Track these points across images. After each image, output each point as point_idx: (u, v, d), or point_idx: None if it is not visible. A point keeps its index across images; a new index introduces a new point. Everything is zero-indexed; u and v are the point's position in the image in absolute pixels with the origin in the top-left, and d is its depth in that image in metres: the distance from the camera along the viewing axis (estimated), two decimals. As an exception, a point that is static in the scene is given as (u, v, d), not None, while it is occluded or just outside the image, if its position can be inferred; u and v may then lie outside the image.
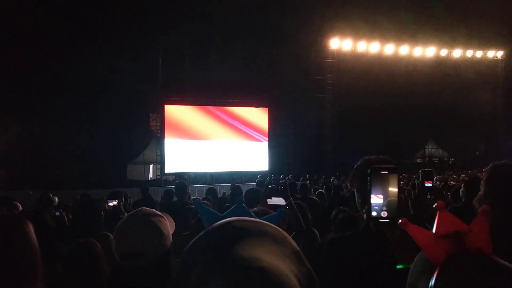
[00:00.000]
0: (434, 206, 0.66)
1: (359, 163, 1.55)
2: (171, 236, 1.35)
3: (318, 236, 3.16)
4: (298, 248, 0.53)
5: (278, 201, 2.75)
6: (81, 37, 15.33)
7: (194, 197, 8.37)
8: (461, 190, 3.85)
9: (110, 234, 2.58)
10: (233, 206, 0.67)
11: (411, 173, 13.82)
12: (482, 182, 1.70)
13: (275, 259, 0.46)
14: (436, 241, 0.62)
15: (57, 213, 3.70)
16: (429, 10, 19.58)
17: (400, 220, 0.68)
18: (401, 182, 1.59)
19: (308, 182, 12.20)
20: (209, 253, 0.48)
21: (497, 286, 0.54)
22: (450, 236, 0.61)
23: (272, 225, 0.54)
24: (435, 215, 0.65)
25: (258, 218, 0.60)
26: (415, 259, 0.71)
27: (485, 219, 0.62)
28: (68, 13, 15.07)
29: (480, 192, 1.68)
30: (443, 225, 0.63)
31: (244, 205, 0.67)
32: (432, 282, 0.58)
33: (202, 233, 0.53)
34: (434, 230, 0.64)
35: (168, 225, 1.36)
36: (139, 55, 16.91)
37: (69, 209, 4.64)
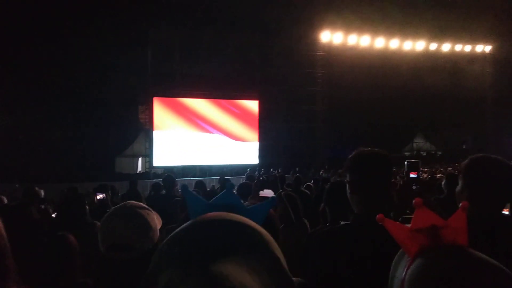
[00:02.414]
0: (413, 202, 0.66)
1: (352, 154, 1.53)
2: (158, 230, 1.33)
3: (308, 227, 3.18)
4: (277, 254, 0.50)
5: (268, 193, 2.76)
6: (70, 30, 15.06)
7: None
8: (443, 183, 3.97)
9: (97, 222, 2.55)
10: (222, 192, 0.66)
11: (400, 167, 13.96)
12: (460, 175, 1.65)
13: (248, 275, 0.44)
14: (412, 235, 0.63)
15: (42, 206, 3.65)
16: (419, 4, 19.67)
17: (376, 216, 0.69)
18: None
19: (298, 175, 12.27)
20: (179, 261, 0.46)
21: (471, 276, 0.54)
22: (425, 230, 0.62)
23: (254, 226, 0.52)
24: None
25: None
26: (398, 253, 0.71)
27: (463, 215, 0.64)
28: (56, 6, 14.76)
29: (458, 187, 1.65)
30: (420, 220, 0.64)
31: (234, 191, 0.66)
32: (403, 273, 0.60)
33: (178, 231, 0.52)
34: (410, 225, 0.65)
35: (155, 218, 1.34)
36: (129, 47, 16.68)
37: (54, 202, 4.58)
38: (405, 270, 0.60)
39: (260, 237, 0.51)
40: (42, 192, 5.19)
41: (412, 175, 3.26)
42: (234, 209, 0.58)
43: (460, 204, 0.65)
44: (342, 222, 2.20)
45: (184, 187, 0.67)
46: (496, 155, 1.60)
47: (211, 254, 0.46)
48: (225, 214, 0.53)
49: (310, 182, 7.17)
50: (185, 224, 0.53)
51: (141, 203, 1.35)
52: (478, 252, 0.59)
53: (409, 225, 0.66)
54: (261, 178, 9.96)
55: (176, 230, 0.52)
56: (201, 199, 0.64)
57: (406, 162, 3.26)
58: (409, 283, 0.58)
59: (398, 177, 8.57)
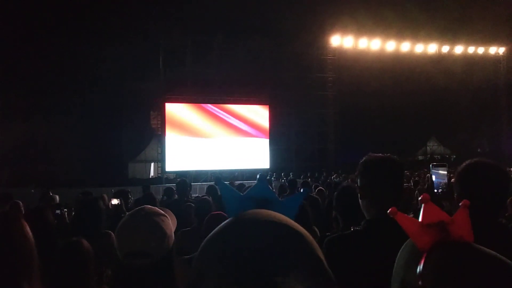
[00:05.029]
0: (419, 199, 0.70)
1: (363, 159, 1.53)
2: (173, 235, 1.35)
3: (318, 234, 3.15)
4: (320, 255, 0.50)
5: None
6: (83, 35, 15.33)
7: (195, 195, 8.36)
8: None
9: (111, 233, 2.58)
10: (256, 183, 0.65)
11: (413, 170, 13.80)
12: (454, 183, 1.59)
13: (294, 279, 0.44)
14: (423, 229, 0.66)
15: (58, 211, 3.71)
16: (431, 6, 19.50)
17: (389, 209, 0.71)
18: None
19: (309, 179, 12.23)
20: (224, 264, 0.46)
21: (480, 271, 0.58)
22: (435, 224, 0.66)
23: (298, 228, 0.52)
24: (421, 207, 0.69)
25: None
26: (399, 253, 0.74)
27: (466, 212, 0.67)
28: (69, 11, 15.06)
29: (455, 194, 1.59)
30: (429, 215, 0.67)
31: (265, 181, 0.65)
32: (420, 267, 0.62)
33: (219, 232, 0.50)
34: (420, 219, 0.68)
35: (171, 224, 1.35)
36: (141, 53, 16.89)
37: (69, 207, 4.65)
38: (420, 265, 0.62)
39: (303, 239, 0.51)
40: (57, 197, 5.28)
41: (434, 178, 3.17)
42: (268, 202, 0.57)
43: (461, 203, 0.68)
44: (353, 228, 2.18)
45: (218, 178, 0.68)
46: (489, 160, 1.54)
47: (256, 258, 0.45)
48: (266, 214, 0.52)
49: (322, 187, 7.11)
50: (226, 224, 0.51)
51: (156, 209, 1.36)
52: (485, 248, 0.62)
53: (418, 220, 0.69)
54: (282, 181, 9.96)
55: (217, 231, 0.50)
56: (235, 191, 0.63)
57: (431, 165, 3.19)
58: (434, 277, 0.60)
59: (412, 182, 8.45)
